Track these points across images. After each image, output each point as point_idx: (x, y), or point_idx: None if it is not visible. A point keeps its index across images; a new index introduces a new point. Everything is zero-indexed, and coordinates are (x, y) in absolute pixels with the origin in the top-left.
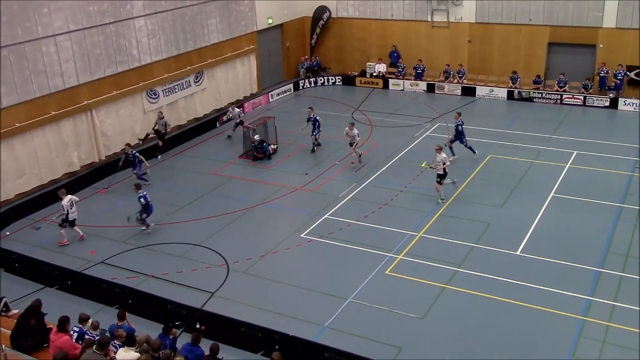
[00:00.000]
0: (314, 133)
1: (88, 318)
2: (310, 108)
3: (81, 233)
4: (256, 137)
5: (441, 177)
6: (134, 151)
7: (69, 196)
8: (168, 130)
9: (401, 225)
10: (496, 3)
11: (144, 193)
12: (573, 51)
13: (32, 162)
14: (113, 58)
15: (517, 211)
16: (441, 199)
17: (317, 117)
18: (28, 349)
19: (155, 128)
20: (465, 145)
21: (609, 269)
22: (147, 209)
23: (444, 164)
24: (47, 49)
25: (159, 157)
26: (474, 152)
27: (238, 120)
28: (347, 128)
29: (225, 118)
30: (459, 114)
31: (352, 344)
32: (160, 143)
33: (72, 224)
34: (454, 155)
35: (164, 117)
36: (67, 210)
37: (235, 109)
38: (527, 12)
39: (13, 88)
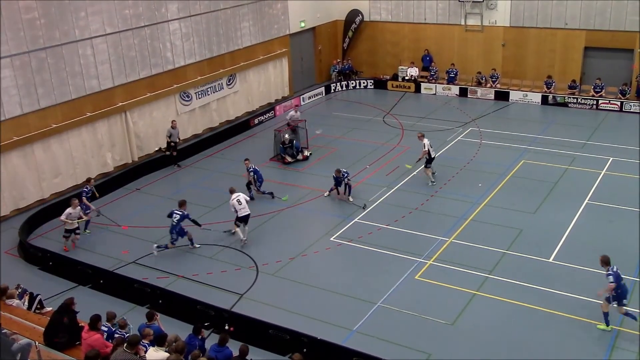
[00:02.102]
0: (258, 186)
1: (115, 316)
2: (247, 160)
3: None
4: (286, 135)
5: (428, 161)
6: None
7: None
8: (179, 141)
9: (431, 230)
10: (531, 7)
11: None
12: (610, 56)
13: (67, 162)
14: (147, 60)
15: (551, 218)
16: (432, 182)
17: (257, 168)
18: (60, 346)
19: (171, 140)
20: (259, 190)
21: None
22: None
23: (427, 150)
24: (84, 52)
25: (177, 166)
26: (251, 196)
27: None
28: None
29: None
30: (248, 160)
31: (380, 348)
32: (174, 153)
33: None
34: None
35: (177, 126)
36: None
37: (292, 112)
38: (563, 16)
39: (50, 89)
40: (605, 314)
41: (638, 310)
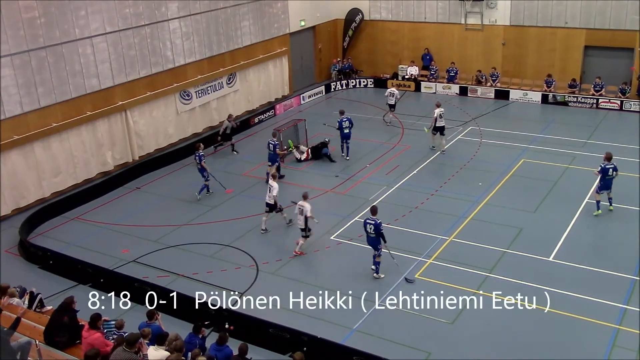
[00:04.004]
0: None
1: (123, 325)
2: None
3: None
4: (327, 139)
5: (434, 129)
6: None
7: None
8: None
9: (431, 229)
10: (531, 6)
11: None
12: (610, 54)
13: (68, 161)
14: (147, 59)
15: (551, 217)
16: (432, 147)
17: (276, 143)
18: (61, 345)
19: (226, 132)
20: (206, 180)
21: None
22: None
23: (435, 117)
24: (84, 51)
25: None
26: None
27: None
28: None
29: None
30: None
31: (380, 347)
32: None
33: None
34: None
35: (232, 119)
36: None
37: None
38: (563, 15)
39: (50, 88)
40: (597, 202)
41: None
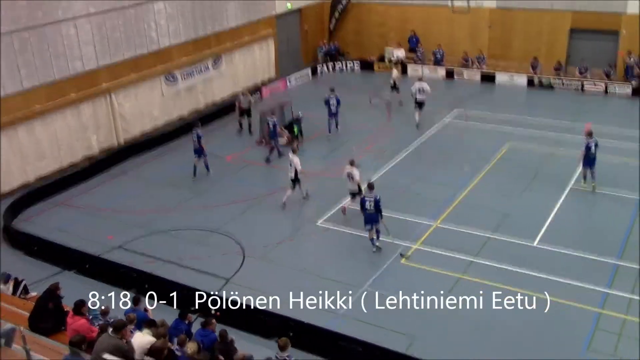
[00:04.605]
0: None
1: (108, 312)
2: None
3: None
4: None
5: (416, 104)
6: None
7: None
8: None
9: (417, 214)
10: None
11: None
12: (595, 37)
13: (52, 145)
14: (132, 41)
15: (535, 202)
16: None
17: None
18: (46, 332)
19: (244, 107)
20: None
21: (627, 262)
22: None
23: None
24: (67, 32)
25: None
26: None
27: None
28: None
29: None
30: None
31: (366, 332)
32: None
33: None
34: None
35: (247, 93)
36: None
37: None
38: None
39: (33, 70)
40: (584, 176)
41: None
